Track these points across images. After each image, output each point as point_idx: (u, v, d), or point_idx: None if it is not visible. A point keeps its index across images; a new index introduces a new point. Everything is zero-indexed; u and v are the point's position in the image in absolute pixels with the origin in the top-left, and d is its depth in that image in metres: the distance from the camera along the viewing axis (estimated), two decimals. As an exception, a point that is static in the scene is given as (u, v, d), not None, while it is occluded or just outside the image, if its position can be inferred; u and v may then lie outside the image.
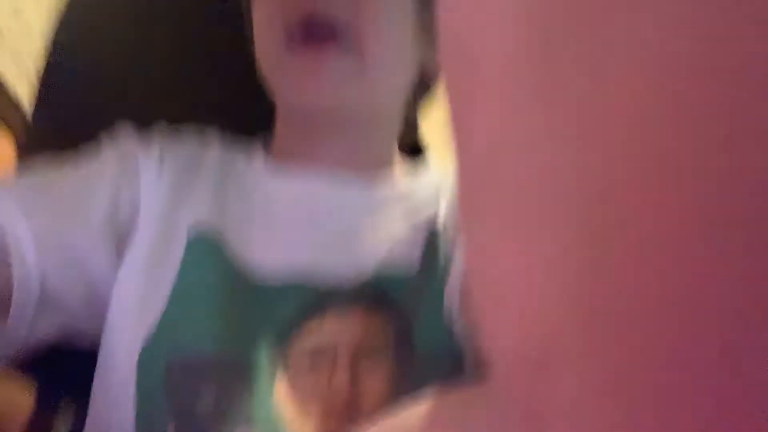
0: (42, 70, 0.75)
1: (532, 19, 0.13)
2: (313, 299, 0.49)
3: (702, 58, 0.11)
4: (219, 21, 0.69)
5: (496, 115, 0.15)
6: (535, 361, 0.14)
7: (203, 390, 0.46)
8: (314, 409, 0.45)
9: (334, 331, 0.48)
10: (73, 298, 0.51)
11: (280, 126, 0.60)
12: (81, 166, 0.55)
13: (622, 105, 0.12)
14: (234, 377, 0.46)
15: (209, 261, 0.51)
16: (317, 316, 0.49)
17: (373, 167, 0.58)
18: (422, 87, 0.61)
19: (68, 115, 0.72)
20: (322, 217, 0.54)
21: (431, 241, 0.53)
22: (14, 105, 1.43)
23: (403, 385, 0.46)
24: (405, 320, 0.48)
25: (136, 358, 0.47)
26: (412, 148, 0.67)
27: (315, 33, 0.50)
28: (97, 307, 0.51)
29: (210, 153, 0.59)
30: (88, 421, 0.51)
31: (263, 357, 0.47)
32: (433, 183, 0.59)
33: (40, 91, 0.75)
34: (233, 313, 0.49)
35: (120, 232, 0.53)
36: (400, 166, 0.61)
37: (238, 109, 0.68)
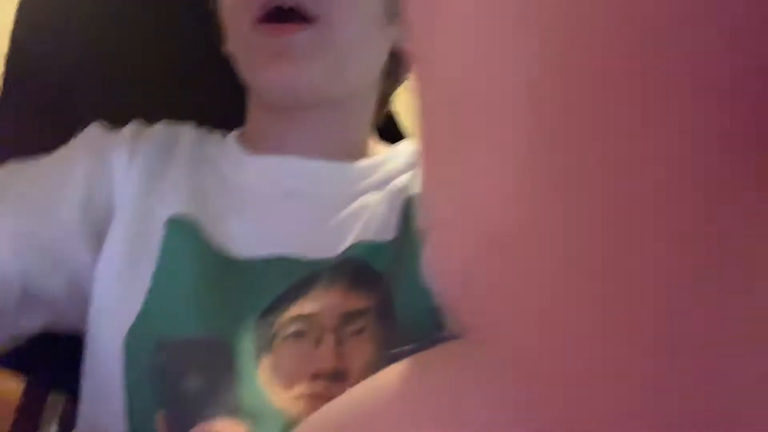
0: (8, 57, 0.74)
1: None
2: (296, 273, 0.50)
3: None
4: (189, 13, 0.69)
5: (464, 43, 0.15)
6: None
7: (189, 374, 0.47)
8: (302, 373, 0.46)
9: (318, 302, 0.49)
10: (55, 293, 0.52)
11: (252, 113, 0.60)
12: (52, 161, 0.55)
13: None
14: (218, 361, 0.47)
15: (189, 244, 0.52)
16: (301, 291, 0.50)
17: (347, 152, 0.59)
18: (396, 70, 0.62)
19: (39, 103, 0.72)
20: (298, 196, 0.55)
21: (407, 207, 0.53)
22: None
23: (388, 349, 0.47)
24: (386, 287, 0.49)
25: (121, 346, 0.48)
26: (388, 133, 0.68)
27: (281, 16, 0.51)
28: (81, 300, 0.52)
29: (182, 140, 0.59)
30: (80, 411, 0.52)
31: (248, 337, 0.48)
32: (405, 152, 0.60)
33: (6, 79, 0.74)
34: (216, 294, 0.50)
35: (96, 224, 0.53)
36: (372, 147, 0.62)
37: (211, 102, 0.68)
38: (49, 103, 0.71)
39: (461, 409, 0.19)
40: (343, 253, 0.51)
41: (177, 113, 0.64)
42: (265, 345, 0.48)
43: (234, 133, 0.61)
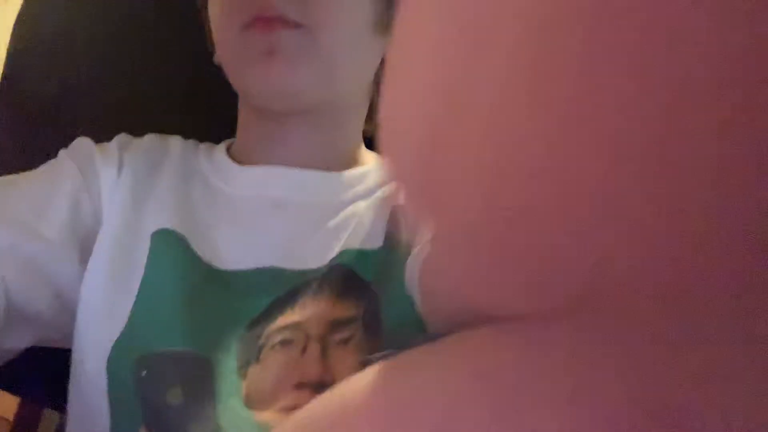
0: (3, 74, 0.75)
1: None
2: (284, 284, 0.50)
3: None
4: (183, 28, 0.69)
5: None
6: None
7: (171, 389, 0.46)
8: (287, 383, 0.45)
9: (306, 310, 0.48)
10: (41, 308, 0.51)
11: (242, 123, 0.60)
12: (38, 174, 0.55)
13: None
14: (199, 377, 0.47)
15: (175, 257, 0.51)
16: (288, 303, 0.49)
17: (338, 159, 0.58)
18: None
19: (33, 118, 0.72)
20: (287, 206, 0.54)
21: (394, 216, 0.53)
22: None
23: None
24: (373, 295, 0.49)
25: (105, 361, 0.47)
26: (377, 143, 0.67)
27: (271, 21, 0.50)
28: (68, 315, 0.51)
29: (171, 152, 0.59)
30: (67, 427, 0.51)
31: (232, 352, 0.47)
32: None
33: (1, 96, 0.75)
34: (202, 308, 0.49)
35: (82, 238, 0.52)
36: (362, 156, 0.61)
37: (207, 116, 0.68)
38: (44, 119, 0.72)
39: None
40: (331, 261, 0.51)
41: (171, 128, 0.64)
42: (251, 357, 0.47)
43: (222, 145, 0.61)
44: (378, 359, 0.24)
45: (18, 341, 0.51)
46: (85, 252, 0.52)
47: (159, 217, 0.53)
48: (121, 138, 0.59)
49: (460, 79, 0.16)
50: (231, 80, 0.55)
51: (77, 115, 0.71)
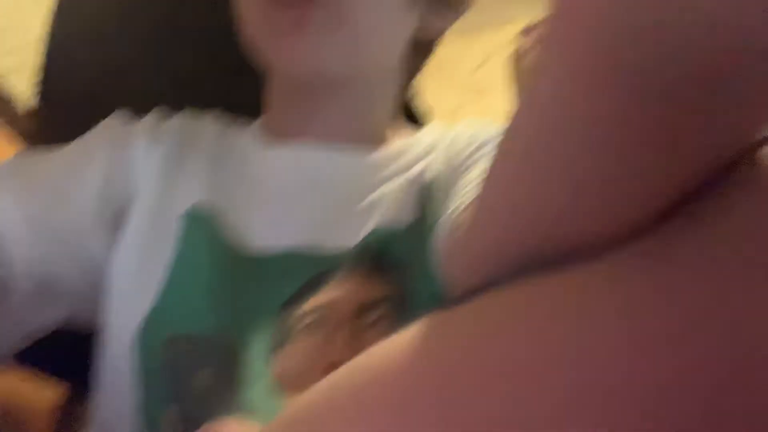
0: (41, 64, 0.76)
1: None
2: (314, 269, 0.49)
3: None
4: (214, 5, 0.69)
5: None
6: None
7: (199, 371, 0.46)
8: (316, 366, 0.45)
9: (336, 291, 0.48)
10: (73, 282, 0.51)
11: (271, 99, 0.59)
12: (71, 149, 0.55)
13: None
14: (228, 360, 0.46)
15: (206, 237, 0.51)
16: (318, 285, 0.49)
17: (369, 134, 0.58)
18: (419, 50, 0.60)
19: (70, 106, 0.73)
20: (319, 187, 0.54)
21: (423, 194, 0.52)
22: (6, 99, 1.43)
23: None
24: (402, 275, 0.48)
25: (133, 340, 0.47)
26: (410, 116, 0.66)
27: None
28: (98, 289, 0.51)
29: (204, 129, 0.58)
30: (95, 408, 0.51)
31: (261, 336, 0.47)
32: (426, 139, 0.58)
33: (41, 85, 0.76)
34: (231, 289, 0.49)
35: (114, 212, 0.52)
36: (398, 131, 0.60)
37: (238, 94, 0.68)
38: (82, 106, 0.73)
39: None
40: (361, 241, 0.50)
41: (204, 103, 0.64)
42: (281, 341, 0.47)
43: (255, 124, 0.60)
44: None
45: (51, 315, 0.51)
46: (116, 226, 0.52)
47: (190, 195, 0.53)
48: (156, 114, 0.59)
49: None
50: (258, 55, 0.55)
51: (115, 102, 0.71)
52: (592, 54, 0.17)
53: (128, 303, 0.49)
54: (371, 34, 0.53)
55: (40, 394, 1.10)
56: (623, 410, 0.15)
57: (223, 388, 0.45)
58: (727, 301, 0.15)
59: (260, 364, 0.46)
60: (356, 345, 0.45)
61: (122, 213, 0.52)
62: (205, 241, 0.50)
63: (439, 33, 0.60)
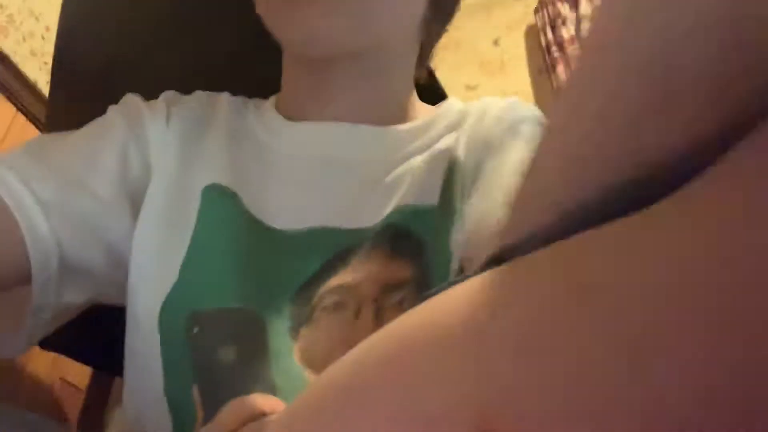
0: (56, 51, 0.76)
1: None
2: (337, 244, 0.49)
3: None
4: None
5: None
6: None
7: (223, 347, 0.45)
8: (340, 346, 0.44)
9: (358, 272, 0.47)
10: (94, 262, 0.51)
11: (287, 76, 0.58)
12: (87, 130, 0.54)
13: None
14: (253, 335, 0.46)
15: (226, 213, 0.50)
16: (341, 263, 0.48)
17: (389, 109, 0.56)
18: (437, 16, 0.58)
19: (84, 92, 0.73)
20: (339, 165, 0.53)
21: (449, 174, 0.51)
22: (27, 85, 1.44)
23: None
24: (427, 255, 0.47)
25: (158, 316, 0.47)
26: (429, 94, 0.65)
27: None
28: (122, 270, 0.51)
29: (219, 108, 0.58)
30: (124, 388, 0.51)
31: (284, 312, 0.46)
32: (449, 115, 0.57)
33: (54, 71, 0.76)
34: (253, 262, 0.48)
35: (133, 192, 0.52)
36: (415, 109, 0.59)
37: (252, 76, 0.67)
38: (94, 93, 0.73)
39: None
40: (385, 218, 0.49)
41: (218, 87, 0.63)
42: (303, 319, 0.46)
43: (271, 100, 0.59)
44: (435, 293, 0.22)
45: (75, 296, 0.51)
46: (136, 206, 0.51)
47: (209, 172, 0.52)
48: (169, 94, 0.59)
49: None
50: (270, 30, 0.53)
51: (125, 89, 0.71)
52: None
53: (151, 281, 0.49)
54: (383, 4, 0.51)
55: (74, 373, 1.11)
56: None
57: (248, 363, 0.45)
58: None
59: (284, 340, 0.46)
60: (380, 326, 0.45)
61: (141, 193, 0.52)
62: (226, 215, 0.50)
63: (455, 0, 0.58)
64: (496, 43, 2.52)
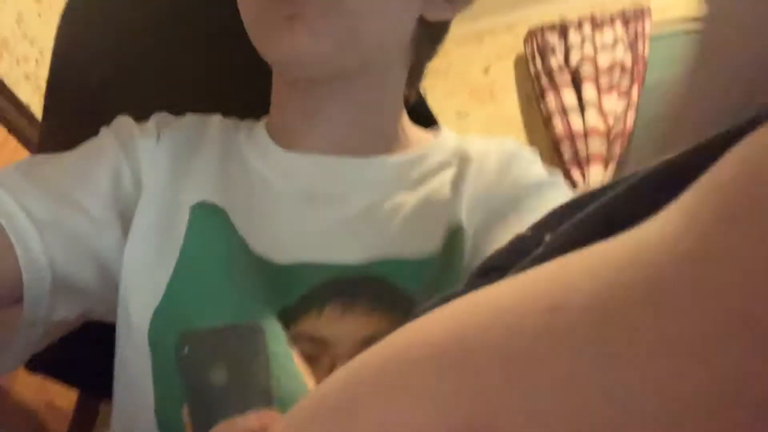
0: (50, 75, 0.76)
1: None
2: (313, 285, 0.48)
3: None
4: (219, 14, 0.69)
5: None
6: None
7: (215, 367, 0.45)
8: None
9: (336, 322, 0.46)
10: (85, 280, 0.51)
11: (276, 98, 0.58)
12: (80, 150, 0.55)
13: None
14: (248, 346, 0.45)
15: (215, 230, 0.50)
16: (317, 304, 0.47)
17: (379, 135, 0.56)
18: (427, 38, 0.58)
19: (77, 116, 0.74)
20: (324, 196, 0.53)
21: (454, 235, 0.49)
22: (20, 107, 1.44)
23: None
24: (411, 307, 0.46)
25: (147, 333, 0.47)
26: (420, 116, 0.65)
27: None
28: (111, 286, 0.51)
29: (210, 129, 0.58)
30: (114, 407, 0.51)
31: (275, 325, 0.46)
32: (443, 149, 0.56)
33: (48, 95, 0.77)
34: (241, 284, 0.48)
35: (124, 210, 0.52)
36: (408, 134, 0.59)
37: (243, 96, 0.68)
38: (89, 111, 0.73)
39: None
40: (369, 267, 0.48)
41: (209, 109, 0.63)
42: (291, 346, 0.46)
43: (263, 122, 0.60)
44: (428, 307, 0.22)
45: (66, 313, 0.51)
46: (126, 223, 0.52)
47: (198, 189, 0.53)
48: (159, 116, 0.59)
49: None
50: (259, 50, 0.53)
51: (119, 108, 0.72)
52: None
53: (140, 298, 0.49)
54: (370, 22, 0.51)
55: (60, 396, 1.10)
56: None
57: (242, 379, 0.44)
58: None
59: (283, 347, 0.45)
60: None
61: (132, 209, 0.52)
62: (214, 232, 0.50)
63: (445, 21, 0.58)
64: (486, 71, 2.55)
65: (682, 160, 0.18)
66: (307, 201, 0.53)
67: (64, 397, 1.07)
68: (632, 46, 2.30)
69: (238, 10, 0.58)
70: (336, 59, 0.51)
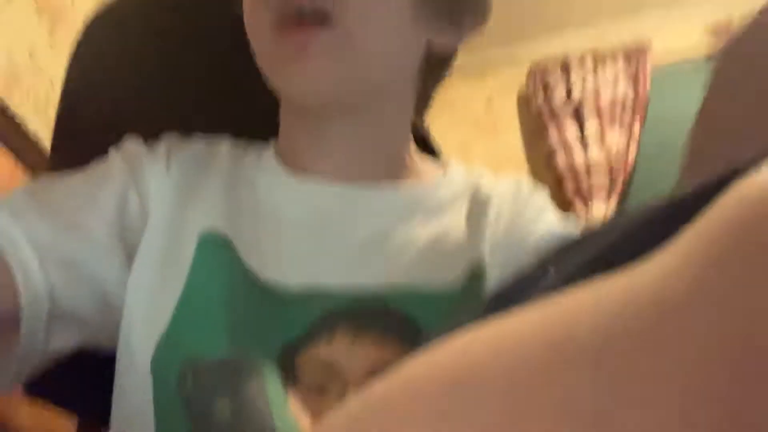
0: (59, 109, 0.77)
1: None
2: (323, 309, 0.48)
3: None
4: (231, 46, 0.70)
5: None
6: None
7: (218, 400, 0.44)
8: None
9: (345, 352, 0.46)
10: (85, 308, 0.50)
11: (284, 127, 0.59)
12: (87, 173, 0.54)
13: None
14: (249, 385, 0.45)
15: (220, 261, 0.50)
16: (326, 330, 0.47)
17: (387, 165, 0.57)
18: (433, 70, 0.59)
19: (86, 144, 0.75)
20: (334, 225, 0.53)
21: (476, 273, 0.50)
22: (31, 141, 1.46)
23: None
24: (423, 339, 0.46)
25: (150, 363, 0.46)
26: (426, 149, 0.66)
27: (300, 21, 0.49)
28: (112, 315, 0.50)
29: (219, 154, 0.58)
30: None
31: (274, 367, 0.46)
32: (452, 183, 0.57)
33: (57, 128, 0.78)
34: (244, 317, 0.48)
35: (129, 237, 0.51)
36: (416, 163, 0.59)
37: (253, 119, 0.69)
38: (98, 147, 0.74)
39: None
40: (382, 295, 0.48)
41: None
42: (289, 381, 0.46)
43: (272, 147, 0.59)
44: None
45: (64, 342, 0.50)
46: (130, 253, 0.51)
47: (205, 216, 0.52)
48: (170, 138, 0.59)
49: None
50: (269, 80, 0.54)
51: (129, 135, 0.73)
52: None
53: (143, 328, 0.48)
54: (379, 55, 0.52)
55: (58, 423, 1.09)
56: None
57: (245, 417, 0.44)
58: None
59: (279, 392, 0.45)
60: None
61: (137, 238, 0.51)
62: (219, 265, 0.50)
63: (452, 52, 0.59)
64: (489, 104, 2.58)
65: (681, 200, 0.19)
66: (317, 226, 0.53)
67: (63, 427, 1.06)
68: (633, 81, 2.33)
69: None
70: (345, 91, 0.52)
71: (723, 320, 0.14)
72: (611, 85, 2.34)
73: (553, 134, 2.34)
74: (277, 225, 0.53)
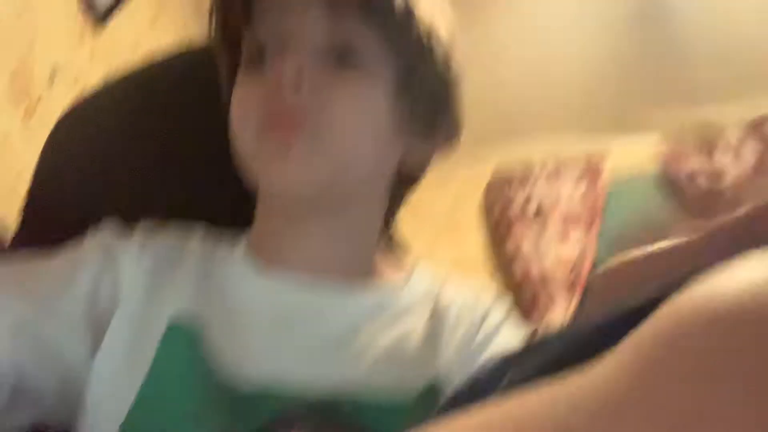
0: (31, 189, 0.77)
1: None
2: (276, 412, 0.48)
3: None
4: (205, 131, 0.72)
5: None
6: None
7: None
8: None
9: None
10: (45, 389, 0.50)
11: (259, 221, 0.61)
12: (62, 256, 0.56)
13: None
14: None
15: (184, 354, 0.51)
16: (283, 428, 0.47)
17: (356, 264, 0.59)
18: (405, 179, 0.62)
19: (54, 236, 0.74)
20: (300, 323, 0.54)
21: (431, 390, 0.51)
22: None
23: None
24: None
25: None
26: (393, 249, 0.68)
27: (283, 123, 0.52)
28: (71, 399, 0.50)
29: (192, 243, 0.59)
30: None
31: None
32: (417, 287, 0.59)
33: (25, 211, 0.77)
34: (205, 411, 0.48)
35: (98, 322, 0.52)
36: (382, 264, 0.61)
37: (228, 213, 0.70)
38: (68, 236, 0.74)
39: None
40: (337, 400, 0.49)
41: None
42: None
43: (243, 242, 0.61)
44: None
45: (20, 420, 0.50)
46: (98, 336, 0.52)
47: (175, 306, 0.53)
48: (145, 225, 0.60)
49: None
50: (250, 176, 0.57)
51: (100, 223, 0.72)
52: None
53: (104, 412, 0.48)
54: (357, 160, 0.55)
55: None
56: None
57: None
58: None
59: None
60: None
61: (107, 319, 0.52)
62: (183, 356, 0.50)
63: (426, 161, 0.63)
64: (452, 212, 2.64)
65: (623, 314, 0.23)
66: (283, 323, 0.54)
67: None
68: (589, 195, 2.42)
69: (227, 122, 0.61)
70: (323, 190, 0.54)
71: (651, 420, 0.18)
72: (569, 194, 2.43)
73: (511, 244, 2.40)
74: (244, 319, 0.54)
